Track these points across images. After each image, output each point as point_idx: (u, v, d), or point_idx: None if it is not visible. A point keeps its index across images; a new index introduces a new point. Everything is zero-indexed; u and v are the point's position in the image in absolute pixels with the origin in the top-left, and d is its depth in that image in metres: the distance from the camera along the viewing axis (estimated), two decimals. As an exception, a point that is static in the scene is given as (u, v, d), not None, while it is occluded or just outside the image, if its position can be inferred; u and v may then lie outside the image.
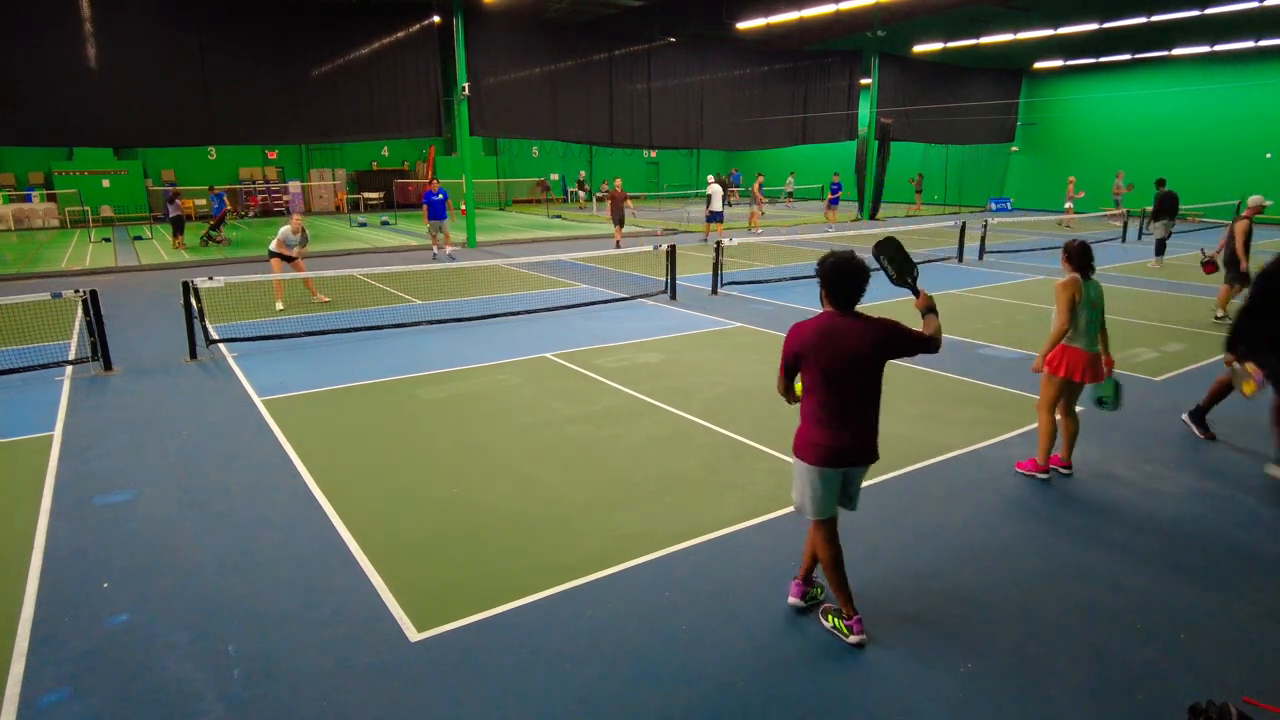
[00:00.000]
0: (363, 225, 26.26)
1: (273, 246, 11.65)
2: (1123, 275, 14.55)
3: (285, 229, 11.56)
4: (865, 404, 3.46)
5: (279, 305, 11.75)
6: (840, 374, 3.37)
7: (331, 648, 3.58)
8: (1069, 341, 5.17)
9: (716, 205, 19.84)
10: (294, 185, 31.38)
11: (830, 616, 3.73)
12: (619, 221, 18.91)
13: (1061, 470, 5.53)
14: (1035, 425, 6.29)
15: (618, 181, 19.35)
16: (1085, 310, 5.11)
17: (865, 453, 3.50)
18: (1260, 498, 5.14)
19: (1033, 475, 5.49)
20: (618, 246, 18.52)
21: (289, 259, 11.73)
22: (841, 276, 3.36)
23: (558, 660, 3.48)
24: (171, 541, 4.58)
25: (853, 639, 3.58)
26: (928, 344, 3.44)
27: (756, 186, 24.16)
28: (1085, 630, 3.70)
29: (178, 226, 19.94)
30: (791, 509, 4.88)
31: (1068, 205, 24.34)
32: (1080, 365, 5.16)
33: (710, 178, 20.62)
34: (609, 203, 18.82)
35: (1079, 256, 5.16)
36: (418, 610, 3.86)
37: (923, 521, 4.79)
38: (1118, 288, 13.14)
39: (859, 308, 3.45)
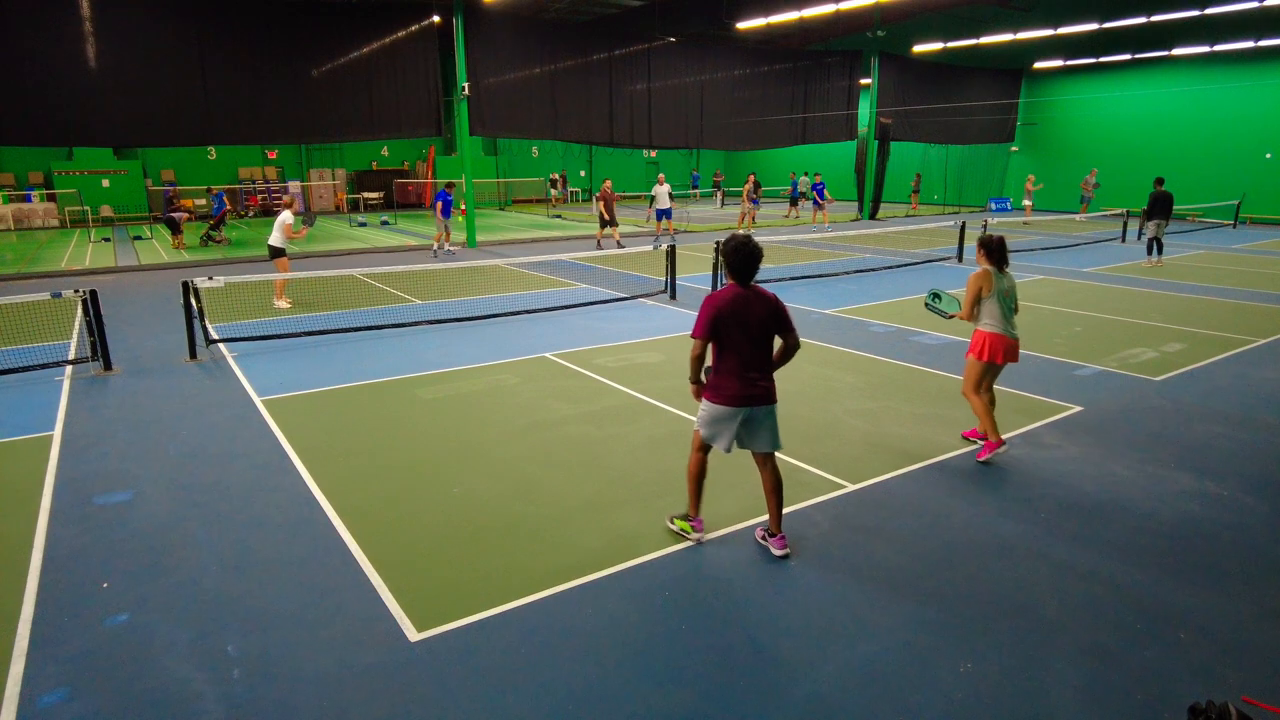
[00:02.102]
0: (362, 225, 26.25)
1: (276, 241, 11.47)
2: (1122, 275, 14.56)
3: (285, 214, 11.46)
4: (764, 357, 4.19)
5: (284, 304, 11.66)
6: (742, 334, 4.10)
7: (331, 648, 3.58)
8: (989, 328, 5.64)
9: (664, 203, 20.40)
10: (294, 185, 31.38)
11: (677, 520, 4.54)
12: (610, 222, 18.65)
13: (997, 452, 5.75)
14: (1030, 425, 6.37)
15: (607, 182, 19.14)
16: (999, 300, 5.58)
17: (766, 396, 4.19)
18: (1260, 497, 5.14)
19: (993, 455, 5.70)
20: (600, 247, 18.37)
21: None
22: (742, 258, 4.08)
23: (558, 660, 3.48)
24: (171, 541, 4.58)
25: (694, 535, 4.46)
26: (793, 344, 4.25)
27: (747, 189, 24.14)
28: (1085, 630, 3.70)
29: (174, 227, 19.97)
30: (790, 508, 4.91)
31: (1026, 203, 24.97)
32: (1000, 349, 5.61)
33: (660, 176, 21.21)
34: (600, 203, 18.66)
35: (994, 251, 5.62)
36: (418, 610, 3.86)
37: (922, 521, 4.80)
38: (1117, 288, 13.15)
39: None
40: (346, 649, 3.57)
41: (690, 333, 4.23)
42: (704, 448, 4.39)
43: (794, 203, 29.78)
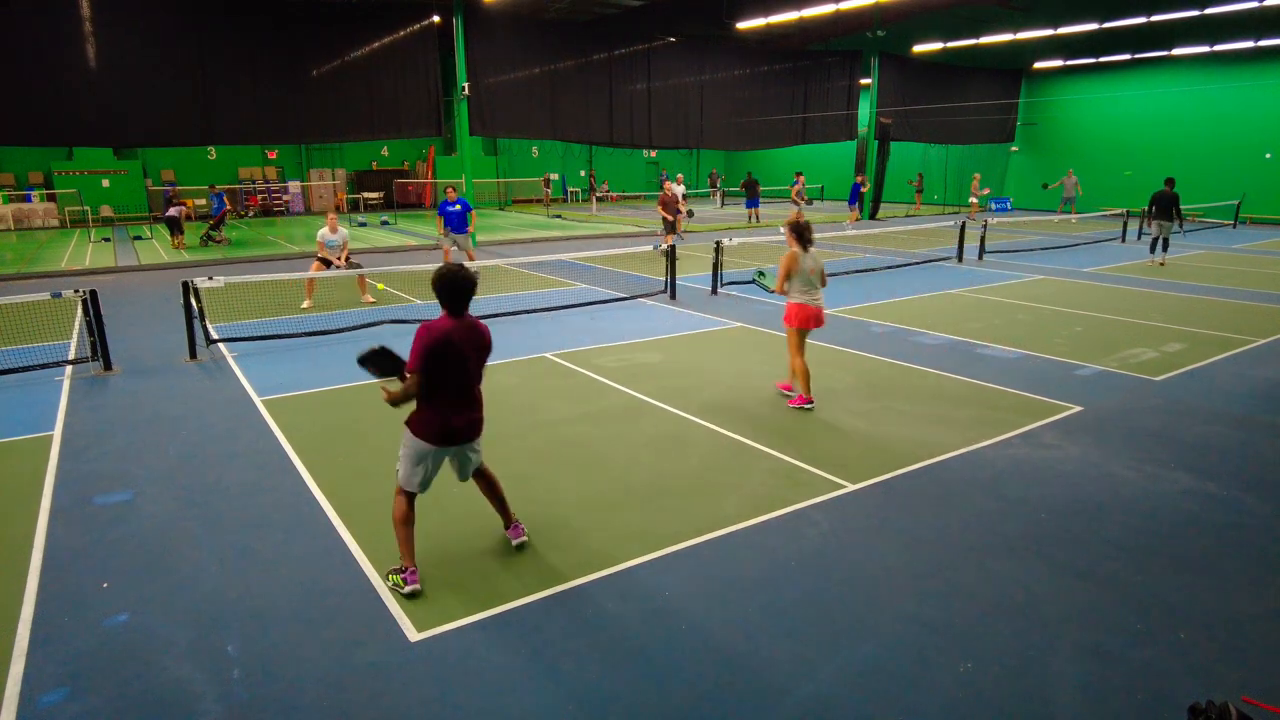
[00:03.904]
0: (362, 225, 26.25)
1: (318, 252, 11.58)
2: (1122, 275, 14.55)
3: (323, 230, 11.50)
4: (475, 392, 4.11)
5: (305, 303, 11.68)
6: (456, 369, 3.95)
7: (331, 648, 3.58)
8: (798, 299, 6.68)
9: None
10: (294, 185, 31.38)
11: (391, 576, 4.09)
12: (671, 226, 17.33)
13: (807, 406, 6.84)
14: (1030, 425, 6.43)
15: (668, 184, 17.95)
16: (803, 276, 6.64)
17: (476, 430, 4.14)
18: (1260, 497, 5.14)
19: (801, 406, 6.80)
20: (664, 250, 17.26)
21: (330, 262, 11.59)
22: (449, 288, 3.94)
23: (558, 660, 3.48)
24: (171, 541, 4.58)
25: (406, 589, 3.99)
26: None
27: (796, 189, 24.20)
28: (1085, 630, 3.70)
29: (175, 226, 19.97)
30: (790, 508, 4.92)
31: (973, 201, 26.27)
32: (809, 316, 6.71)
33: (680, 176, 21.72)
34: (662, 206, 17.46)
35: (801, 235, 6.65)
36: (418, 610, 3.86)
37: (922, 521, 4.79)
38: (1117, 288, 13.14)
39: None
40: (346, 649, 3.57)
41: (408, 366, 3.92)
42: (409, 493, 4.08)
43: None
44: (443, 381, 3.93)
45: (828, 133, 27.18)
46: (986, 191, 26.52)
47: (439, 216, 14.00)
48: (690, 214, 20.51)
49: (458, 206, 13.84)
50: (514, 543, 4.44)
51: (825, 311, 6.92)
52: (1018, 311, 11.20)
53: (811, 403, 6.80)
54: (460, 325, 3.98)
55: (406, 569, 4.03)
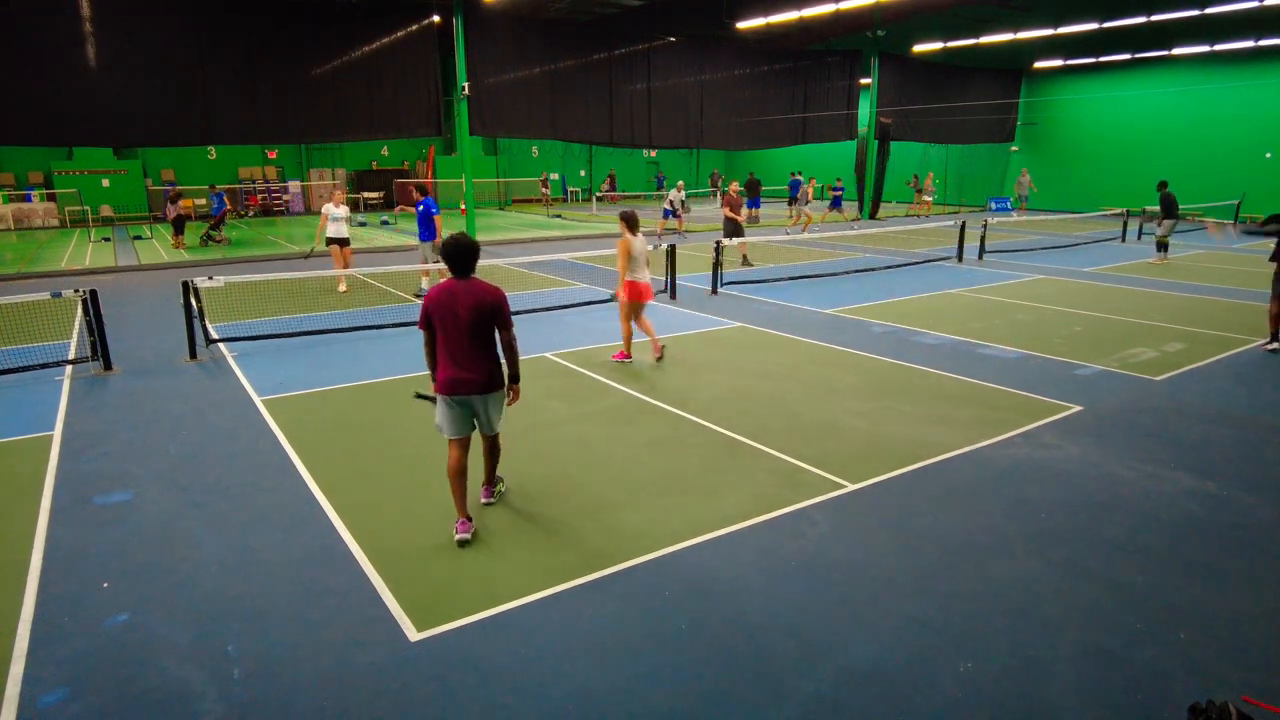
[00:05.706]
0: (362, 225, 26.23)
1: (331, 232, 12.25)
2: (1122, 275, 14.55)
3: (329, 207, 12.16)
4: (474, 348, 4.39)
5: (342, 288, 12.59)
6: (451, 324, 4.32)
7: (331, 648, 3.58)
8: (632, 277, 7.93)
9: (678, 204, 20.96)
10: (294, 185, 31.37)
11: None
12: (735, 232, 15.30)
13: (626, 361, 8.29)
14: (1030, 425, 6.45)
15: (733, 185, 16.38)
16: (634, 258, 7.90)
17: (477, 386, 4.42)
18: (1260, 497, 5.14)
19: (622, 362, 8.27)
20: (747, 263, 15.77)
21: (344, 242, 12.34)
22: (451, 251, 4.38)
23: (558, 660, 3.48)
24: (171, 541, 4.58)
25: (457, 536, 4.47)
26: (508, 341, 4.52)
27: (809, 191, 24.30)
28: (1085, 630, 3.70)
29: (178, 226, 19.97)
30: (790, 508, 4.92)
31: (926, 199, 28.26)
32: (639, 290, 8.00)
33: (680, 182, 21.95)
34: (727, 208, 15.67)
35: (631, 223, 7.95)
36: (418, 610, 3.86)
37: (922, 521, 4.79)
38: (1117, 288, 13.14)
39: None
40: (346, 649, 3.57)
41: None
42: (454, 443, 4.58)
43: (792, 202, 29.74)
44: (442, 336, 4.39)
45: (828, 133, 27.17)
46: (932, 192, 28.69)
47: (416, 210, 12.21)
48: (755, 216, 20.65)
49: (421, 208, 11.92)
50: (482, 501, 4.90)
51: (653, 285, 8.31)
52: (1018, 311, 11.20)
53: (630, 358, 8.28)
54: (459, 286, 4.36)
55: (457, 519, 4.51)
